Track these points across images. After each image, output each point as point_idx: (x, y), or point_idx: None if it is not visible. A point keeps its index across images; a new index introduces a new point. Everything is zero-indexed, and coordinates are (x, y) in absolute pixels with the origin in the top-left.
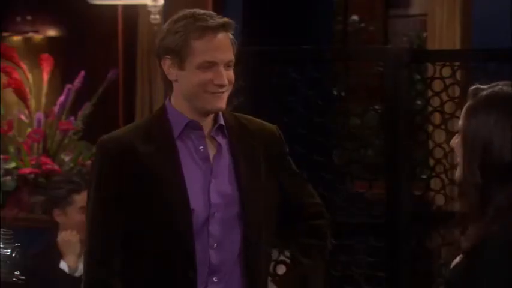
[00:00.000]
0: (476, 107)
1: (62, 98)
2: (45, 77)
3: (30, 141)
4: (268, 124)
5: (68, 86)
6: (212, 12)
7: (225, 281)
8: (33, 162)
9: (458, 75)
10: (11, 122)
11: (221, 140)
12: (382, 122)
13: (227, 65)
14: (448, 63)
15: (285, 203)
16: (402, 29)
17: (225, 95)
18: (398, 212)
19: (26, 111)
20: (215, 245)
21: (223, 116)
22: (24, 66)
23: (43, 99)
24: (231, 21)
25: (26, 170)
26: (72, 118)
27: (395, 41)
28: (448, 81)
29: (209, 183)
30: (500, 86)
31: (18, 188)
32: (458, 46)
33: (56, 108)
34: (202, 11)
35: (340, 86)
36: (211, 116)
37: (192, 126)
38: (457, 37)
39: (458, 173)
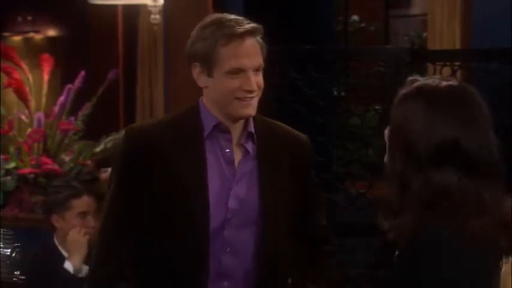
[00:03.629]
0: (406, 96)
1: (62, 98)
2: (46, 77)
3: (31, 141)
4: (300, 134)
5: (68, 86)
6: (240, 18)
7: (237, 286)
8: (33, 162)
9: (458, 75)
10: (11, 122)
11: (249, 146)
12: (382, 122)
13: (256, 70)
14: (448, 63)
15: (298, 216)
16: (403, 29)
17: (255, 101)
18: None
19: (26, 111)
20: (228, 249)
21: (254, 122)
22: (24, 66)
23: (43, 99)
24: (258, 26)
25: (26, 170)
26: (72, 118)
27: (396, 41)
28: None
29: (230, 188)
30: (432, 79)
31: (18, 188)
32: (458, 46)
33: (56, 108)
34: (230, 17)
35: (340, 86)
36: (241, 121)
37: (221, 129)
38: (457, 37)
39: (385, 159)
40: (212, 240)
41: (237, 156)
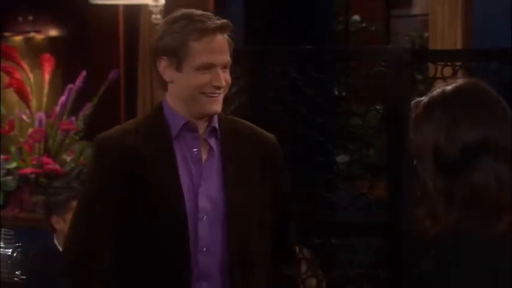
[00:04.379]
0: (418, 118)
1: (63, 98)
2: (47, 77)
3: (32, 141)
4: (268, 134)
5: (70, 86)
6: (209, 13)
7: (215, 285)
8: (34, 162)
9: (459, 75)
10: (13, 122)
11: (213, 142)
12: (383, 122)
13: (224, 67)
14: (449, 63)
15: (270, 223)
16: (404, 29)
17: (221, 98)
18: (399, 212)
19: (28, 111)
20: (204, 248)
21: (218, 118)
22: (25, 66)
23: (44, 99)
24: (229, 22)
25: (27, 170)
26: (73, 118)
27: (397, 41)
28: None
29: (198, 186)
30: (436, 89)
31: (19, 188)
32: (459, 46)
33: (57, 108)
34: (199, 12)
35: (341, 86)
36: (206, 119)
37: (189, 128)
38: (459, 37)
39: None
40: (190, 240)
41: (203, 154)
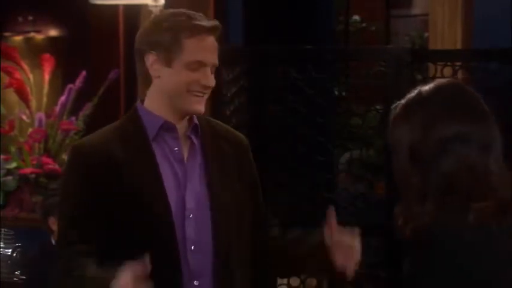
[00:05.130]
0: (395, 119)
1: (63, 98)
2: (47, 77)
3: (32, 141)
4: (240, 134)
5: (69, 86)
6: (202, 14)
7: (205, 285)
8: (34, 162)
9: (459, 75)
10: (13, 122)
11: (195, 139)
12: (383, 122)
13: (213, 68)
14: (449, 63)
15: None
16: (404, 29)
17: (205, 98)
18: None
19: (27, 111)
20: (192, 247)
21: (197, 118)
22: (25, 66)
23: (44, 99)
24: (220, 25)
25: (27, 170)
26: (73, 118)
27: (397, 41)
28: None
29: (184, 185)
30: (413, 91)
31: (19, 188)
32: (459, 46)
33: (57, 108)
34: (192, 12)
35: (341, 86)
36: (185, 118)
37: (167, 128)
38: (459, 37)
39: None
40: (178, 241)
41: (184, 152)
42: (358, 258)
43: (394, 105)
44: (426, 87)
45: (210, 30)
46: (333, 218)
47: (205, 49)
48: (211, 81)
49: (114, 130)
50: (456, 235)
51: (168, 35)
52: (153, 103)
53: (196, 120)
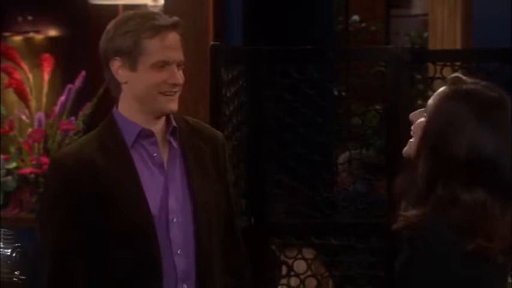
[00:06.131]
0: (452, 95)
1: (62, 98)
2: (46, 77)
3: (31, 141)
4: (217, 131)
5: (69, 86)
6: (160, 12)
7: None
8: (34, 162)
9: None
10: (12, 122)
11: (174, 143)
12: (383, 122)
13: (178, 65)
14: (448, 63)
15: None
16: (403, 29)
17: (177, 96)
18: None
19: (27, 111)
20: (179, 251)
21: (174, 118)
22: (25, 66)
23: (44, 99)
24: (181, 21)
25: (27, 170)
26: (73, 118)
27: (397, 41)
28: None
29: (167, 189)
30: (482, 85)
31: (19, 188)
32: (459, 46)
33: (56, 108)
34: (150, 11)
35: (341, 86)
36: (163, 119)
37: (145, 134)
38: (458, 37)
39: (407, 150)
40: (162, 245)
41: (164, 155)
42: None
43: (454, 75)
44: (472, 86)
45: (169, 28)
46: None
47: (168, 47)
48: (179, 79)
49: (92, 139)
50: (449, 241)
51: (129, 38)
52: (127, 108)
53: (174, 123)
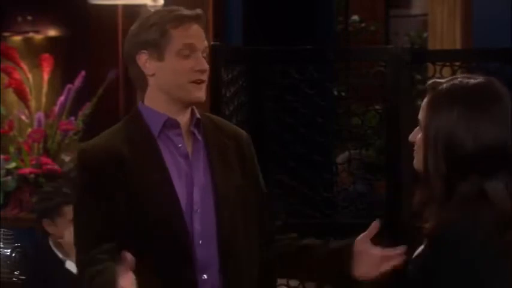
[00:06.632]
0: (437, 101)
1: (62, 98)
2: (46, 77)
3: (31, 141)
4: (240, 129)
5: (69, 86)
6: (183, 7)
7: (214, 278)
8: (33, 162)
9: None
10: (12, 122)
11: (198, 134)
12: (383, 122)
13: (203, 53)
14: (448, 63)
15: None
16: (403, 29)
17: (204, 86)
18: (399, 212)
19: (27, 111)
20: (200, 241)
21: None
22: (24, 66)
23: (43, 99)
24: (203, 14)
25: (26, 170)
26: (72, 118)
27: (396, 41)
28: None
29: (191, 180)
30: (459, 79)
31: (18, 188)
32: (458, 46)
33: (56, 108)
34: (174, 6)
35: (340, 86)
36: (188, 112)
37: (170, 124)
38: (458, 37)
39: (417, 164)
40: (188, 236)
41: (188, 147)
42: (384, 270)
43: (431, 81)
44: (472, 80)
45: (193, 19)
46: (375, 229)
47: (192, 36)
48: (205, 65)
49: (118, 131)
50: (481, 245)
51: (155, 30)
52: (153, 101)
53: (198, 115)
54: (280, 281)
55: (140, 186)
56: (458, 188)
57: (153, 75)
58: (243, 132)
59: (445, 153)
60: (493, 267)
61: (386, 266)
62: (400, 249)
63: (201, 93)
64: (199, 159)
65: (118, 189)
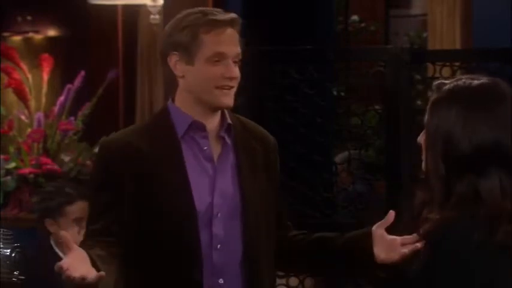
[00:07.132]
0: (439, 101)
1: (62, 98)
2: (45, 77)
3: (31, 141)
4: (267, 133)
5: (68, 86)
6: (219, 9)
7: (231, 283)
8: (33, 162)
9: (458, 75)
10: (11, 122)
11: (228, 139)
12: (382, 122)
13: (234, 60)
14: (448, 63)
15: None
16: (403, 29)
17: (233, 92)
18: (399, 212)
19: (26, 111)
20: (218, 245)
21: (228, 115)
22: (24, 66)
23: (43, 99)
24: (238, 17)
25: (26, 170)
26: (72, 118)
27: (396, 41)
28: None
29: (213, 184)
30: (463, 80)
31: (18, 188)
32: (458, 46)
33: (56, 108)
34: (209, 8)
35: (340, 86)
36: (218, 114)
37: (196, 126)
38: (458, 37)
39: (423, 166)
40: (202, 238)
41: (216, 150)
42: (403, 254)
43: (437, 83)
44: (476, 81)
45: (227, 23)
46: (392, 218)
47: (223, 42)
48: (235, 72)
49: (143, 127)
50: (474, 245)
51: (187, 33)
52: (182, 102)
53: (229, 120)
54: (280, 281)
55: (156, 183)
56: (456, 188)
57: (182, 77)
58: (271, 137)
59: (443, 154)
60: (490, 266)
61: (406, 250)
62: (416, 235)
63: (228, 99)
64: (227, 163)
65: (132, 184)
